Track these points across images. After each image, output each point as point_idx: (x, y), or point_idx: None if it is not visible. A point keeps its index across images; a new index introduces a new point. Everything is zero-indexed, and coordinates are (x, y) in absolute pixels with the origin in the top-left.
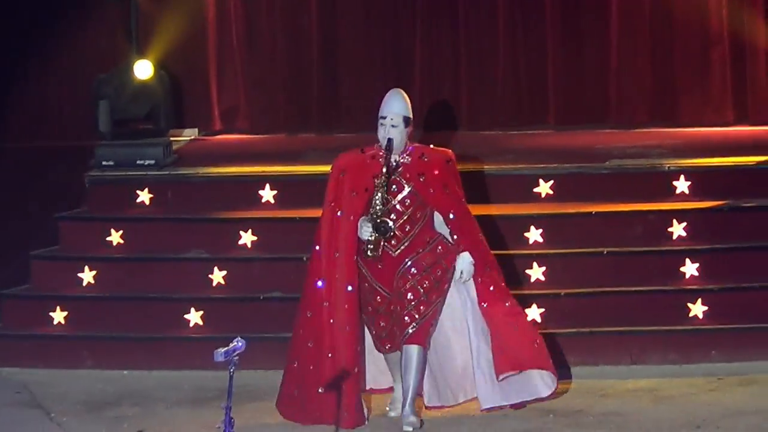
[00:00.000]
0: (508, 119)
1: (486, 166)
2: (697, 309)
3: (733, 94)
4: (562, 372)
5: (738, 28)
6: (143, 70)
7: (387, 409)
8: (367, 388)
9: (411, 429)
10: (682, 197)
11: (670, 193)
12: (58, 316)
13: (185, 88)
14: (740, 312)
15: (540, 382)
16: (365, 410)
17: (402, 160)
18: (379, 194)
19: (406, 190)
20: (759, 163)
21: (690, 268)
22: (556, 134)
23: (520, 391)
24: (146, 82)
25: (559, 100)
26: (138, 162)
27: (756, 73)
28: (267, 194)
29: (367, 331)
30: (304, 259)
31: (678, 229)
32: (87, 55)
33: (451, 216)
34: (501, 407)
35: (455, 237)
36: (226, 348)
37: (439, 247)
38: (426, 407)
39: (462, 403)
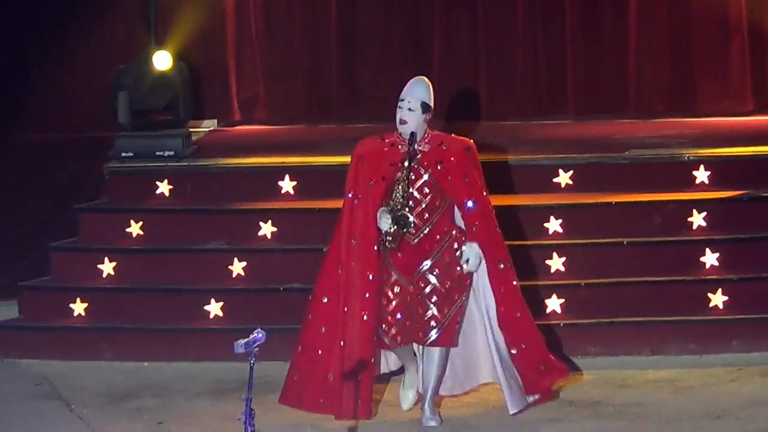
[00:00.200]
0: (528, 110)
1: (505, 157)
2: (717, 299)
3: (753, 83)
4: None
5: (757, 16)
6: (162, 60)
7: (401, 401)
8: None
9: (434, 425)
10: (702, 187)
11: (689, 183)
12: (78, 307)
13: (204, 79)
14: (760, 302)
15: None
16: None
17: (420, 148)
18: (400, 187)
19: (424, 177)
20: None
21: (710, 258)
22: (575, 124)
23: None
24: (165, 73)
25: (579, 90)
26: (157, 153)
27: None
28: (286, 185)
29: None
30: (324, 250)
31: (698, 219)
32: (106, 46)
33: (469, 205)
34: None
35: (468, 227)
36: (246, 339)
37: (456, 244)
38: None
39: (468, 392)
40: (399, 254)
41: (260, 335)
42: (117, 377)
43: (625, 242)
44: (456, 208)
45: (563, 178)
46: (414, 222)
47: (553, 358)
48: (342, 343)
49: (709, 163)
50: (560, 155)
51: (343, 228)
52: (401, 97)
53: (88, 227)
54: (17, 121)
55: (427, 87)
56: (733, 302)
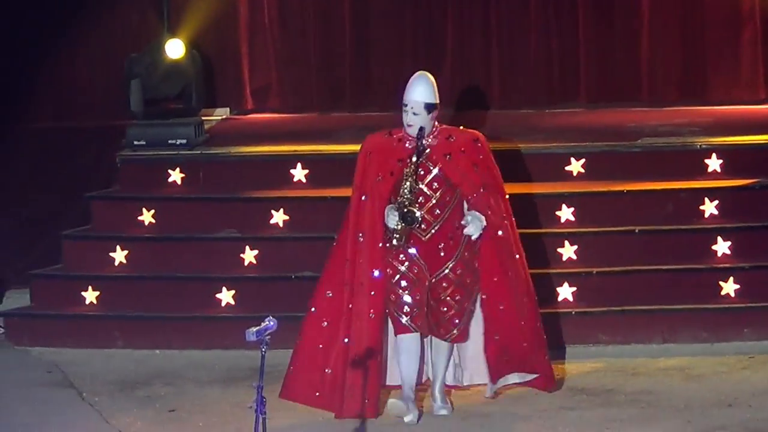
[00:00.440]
0: (540, 98)
1: (518, 145)
2: (729, 287)
3: (765, 72)
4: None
5: None
6: (175, 49)
7: (405, 411)
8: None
9: (446, 413)
10: (714, 175)
11: (701, 172)
12: (90, 295)
13: (217, 67)
14: None
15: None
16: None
17: (429, 143)
18: (408, 183)
19: (433, 172)
20: None
21: (722, 247)
22: (587, 113)
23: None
24: (178, 62)
25: (591, 78)
26: (169, 141)
27: None
28: (299, 173)
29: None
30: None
31: (710, 208)
32: (118, 35)
33: (482, 191)
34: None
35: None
36: (257, 327)
37: (466, 253)
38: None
39: (476, 386)
40: (416, 247)
41: (272, 323)
42: (128, 365)
43: (637, 230)
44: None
45: (575, 166)
46: (423, 218)
47: (541, 363)
48: (346, 340)
49: (721, 151)
50: (572, 143)
51: (350, 224)
52: (404, 101)
53: (100, 215)
54: (30, 109)
55: (427, 85)
56: (745, 290)
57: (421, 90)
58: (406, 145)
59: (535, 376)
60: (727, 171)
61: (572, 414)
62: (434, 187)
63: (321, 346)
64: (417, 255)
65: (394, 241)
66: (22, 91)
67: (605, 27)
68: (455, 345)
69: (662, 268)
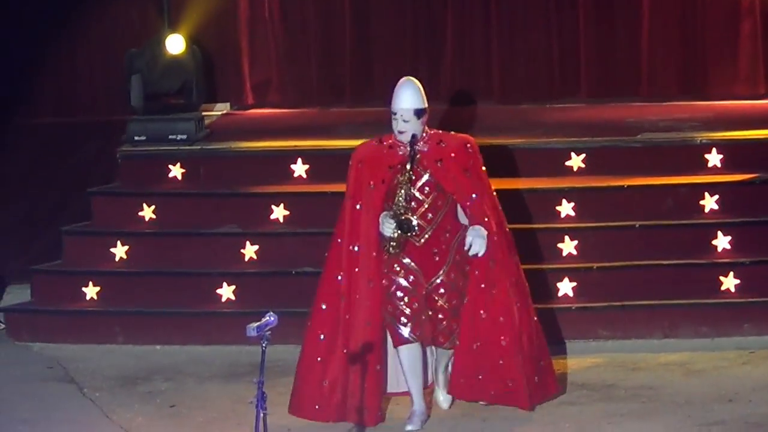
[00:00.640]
0: (540, 93)
1: (518, 140)
2: (729, 282)
3: (765, 67)
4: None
5: None
6: (175, 44)
7: (406, 421)
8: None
9: (447, 407)
10: (714, 170)
11: (701, 166)
12: (91, 291)
13: (217, 63)
14: None
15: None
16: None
17: (419, 148)
18: (402, 191)
19: (425, 177)
20: None
21: (722, 242)
22: (588, 108)
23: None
24: (178, 57)
25: (591, 73)
26: (170, 137)
27: None
28: (299, 169)
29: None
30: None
31: (710, 203)
32: (118, 30)
33: (474, 196)
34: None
35: (474, 221)
36: (258, 323)
37: (457, 257)
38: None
39: None
40: (405, 259)
41: (272, 319)
42: (129, 361)
43: (637, 225)
44: (459, 206)
45: (575, 161)
46: (418, 223)
47: (516, 383)
48: (345, 350)
49: (722, 146)
50: (572, 138)
51: (344, 233)
52: (393, 109)
53: (100, 211)
54: (30, 104)
55: (414, 91)
56: (745, 285)
57: (409, 96)
58: (398, 152)
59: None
60: (727, 166)
61: (572, 409)
62: (426, 191)
63: (319, 359)
64: (412, 263)
65: (391, 250)
66: (23, 87)
67: (605, 22)
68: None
69: (662, 263)
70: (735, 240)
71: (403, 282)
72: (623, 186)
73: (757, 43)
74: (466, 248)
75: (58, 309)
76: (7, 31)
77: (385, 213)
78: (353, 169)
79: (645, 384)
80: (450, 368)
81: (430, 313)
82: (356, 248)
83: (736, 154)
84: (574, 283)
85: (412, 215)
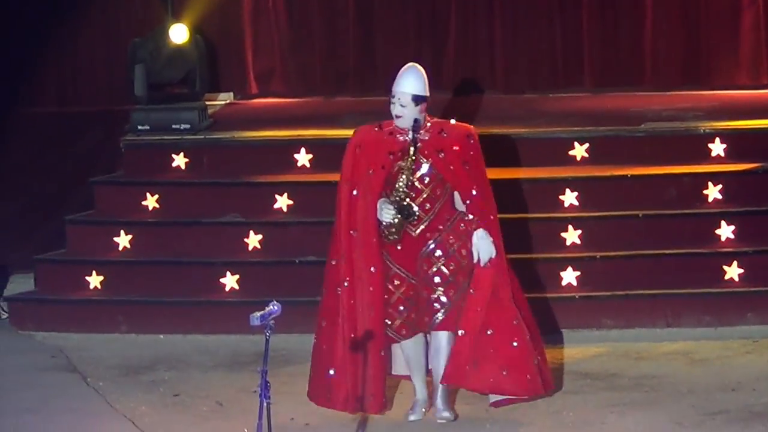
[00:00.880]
0: (544, 82)
1: (521, 129)
2: (733, 271)
3: None
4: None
5: None
6: (179, 33)
7: (408, 411)
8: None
9: (448, 416)
10: (718, 160)
11: (705, 156)
12: (94, 280)
13: (220, 52)
14: None
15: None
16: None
17: (420, 137)
18: (404, 176)
19: (425, 167)
20: None
21: (725, 231)
22: (591, 97)
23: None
24: (182, 46)
25: (595, 62)
26: (173, 126)
27: None
28: (302, 158)
29: None
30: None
31: (713, 192)
32: (122, 20)
33: (474, 192)
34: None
35: (472, 217)
36: (261, 312)
37: (462, 225)
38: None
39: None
40: (398, 247)
41: (276, 308)
42: (132, 350)
43: (640, 215)
44: (456, 195)
45: (579, 150)
46: (417, 212)
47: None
48: (352, 335)
49: (725, 135)
50: (576, 128)
51: (341, 219)
52: (392, 92)
53: (104, 200)
54: (34, 94)
55: (416, 77)
56: (749, 275)
57: (410, 81)
58: (399, 138)
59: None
60: (730, 155)
61: (576, 398)
62: (425, 181)
63: (325, 347)
64: (399, 266)
65: (389, 236)
66: (26, 77)
67: (609, 11)
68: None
69: (666, 253)
70: (738, 229)
71: (388, 286)
72: (627, 175)
73: (760, 33)
74: (475, 261)
75: (62, 298)
76: (11, 21)
77: (383, 199)
78: (350, 153)
79: (648, 373)
80: (445, 386)
81: (425, 291)
82: (354, 234)
83: (739, 144)
84: (578, 273)
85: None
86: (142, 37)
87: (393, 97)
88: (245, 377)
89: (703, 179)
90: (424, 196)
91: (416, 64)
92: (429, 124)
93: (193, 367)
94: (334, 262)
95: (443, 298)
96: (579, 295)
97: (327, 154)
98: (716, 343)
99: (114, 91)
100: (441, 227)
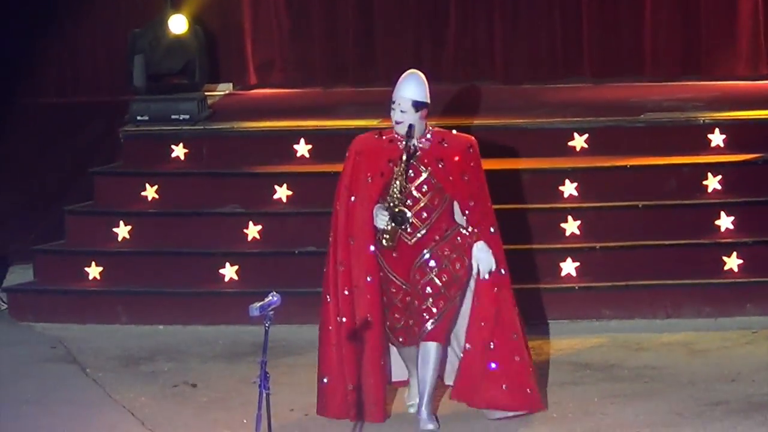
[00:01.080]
0: (543, 73)
1: (521, 120)
2: (732, 262)
3: (767, 47)
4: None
5: None
6: (178, 24)
7: (407, 404)
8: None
9: (432, 428)
10: (717, 150)
11: (704, 146)
12: (93, 271)
13: (220, 43)
14: None
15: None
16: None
17: (420, 145)
18: (398, 182)
19: (424, 175)
20: None
21: (725, 222)
22: (590, 88)
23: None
24: (181, 37)
25: (594, 53)
26: (173, 117)
27: None
28: (302, 149)
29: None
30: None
31: (713, 183)
32: (121, 10)
33: (471, 204)
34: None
35: (471, 229)
36: (261, 303)
37: (458, 238)
38: (444, 384)
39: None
40: (394, 254)
41: (275, 299)
42: (132, 341)
43: (640, 205)
44: (456, 206)
45: (578, 141)
46: (412, 221)
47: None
48: (351, 344)
49: (725, 126)
50: (575, 118)
51: (340, 226)
52: (393, 98)
53: (103, 191)
54: (33, 85)
55: (417, 83)
56: (748, 265)
57: (411, 87)
58: (399, 146)
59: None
60: (730, 146)
61: (576, 389)
62: (423, 190)
63: (319, 354)
64: (395, 274)
65: (384, 242)
66: (25, 67)
67: (608, 2)
68: (457, 341)
69: (665, 243)
70: (738, 220)
71: (384, 294)
72: (626, 166)
73: (758, 23)
74: (474, 273)
75: (61, 289)
76: (10, 11)
77: (379, 205)
78: (350, 161)
79: (648, 364)
80: (431, 395)
81: (416, 301)
82: (352, 241)
83: (739, 134)
84: (577, 263)
85: (407, 210)
86: (142, 28)
87: (393, 102)
88: (244, 368)
89: (703, 170)
90: (422, 204)
91: (417, 71)
92: (430, 134)
93: (192, 358)
94: (341, 268)
95: (433, 309)
96: (578, 286)
97: (326, 144)
98: (716, 333)
99: (113, 81)
100: (437, 237)
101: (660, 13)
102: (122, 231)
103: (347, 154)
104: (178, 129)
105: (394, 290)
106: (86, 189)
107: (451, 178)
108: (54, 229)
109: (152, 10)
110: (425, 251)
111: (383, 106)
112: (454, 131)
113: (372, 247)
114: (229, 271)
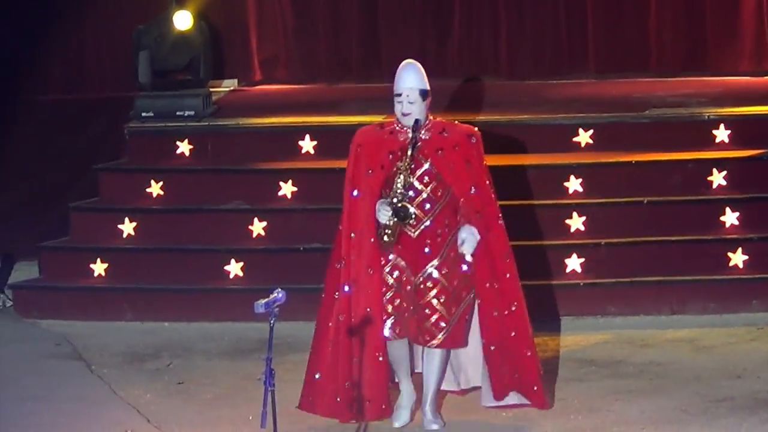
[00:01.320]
0: (548, 68)
1: (525, 116)
2: (737, 258)
3: None
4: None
5: None
6: (183, 20)
7: (391, 419)
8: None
9: (437, 428)
10: (722, 146)
11: (709, 142)
12: (99, 268)
13: (225, 39)
14: None
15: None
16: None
17: (421, 136)
18: (402, 177)
19: (425, 166)
20: None
21: (730, 218)
22: (595, 83)
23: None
24: (186, 33)
25: (599, 48)
26: (177, 113)
27: None
28: (307, 145)
29: None
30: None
31: (718, 178)
32: (126, 6)
33: (472, 191)
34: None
35: (470, 215)
36: (266, 299)
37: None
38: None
39: (472, 389)
40: (399, 246)
41: (280, 295)
42: (137, 337)
43: (645, 201)
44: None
45: (583, 137)
46: (414, 213)
47: (531, 376)
48: (349, 339)
49: (729, 122)
50: (580, 114)
51: (344, 222)
52: (397, 90)
53: (108, 187)
54: (38, 81)
55: (418, 72)
56: (754, 261)
57: (414, 77)
58: (399, 138)
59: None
60: (735, 142)
61: (581, 385)
62: (425, 181)
63: (313, 350)
64: (399, 258)
65: (385, 237)
66: (31, 64)
67: None
68: (451, 352)
69: (670, 239)
70: (743, 216)
71: (387, 278)
72: (631, 162)
73: (762, 19)
74: (459, 244)
75: (66, 286)
76: (15, 8)
77: (381, 200)
78: (352, 154)
79: (653, 360)
80: (435, 395)
81: (416, 308)
82: (354, 235)
83: (744, 130)
84: (582, 260)
85: (410, 204)
86: (147, 24)
87: (399, 95)
88: (250, 365)
89: (708, 165)
90: (424, 196)
91: (413, 60)
92: (430, 125)
93: (197, 355)
94: (338, 266)
95: (446, 316)
96: (583, 282)
97: (331, 140)
98: (721, 330)
99: (118, 78)
100: (440, 231)
101: (664, 8)
102: (127, 227)
103: (350, 148)
104: (183, 125)
105: (397, 275)
106: (91, 185)
107: (451, 166)
108: (59, 226)
109: (157, 7)
110: (433, 261)
111: (388, 102)
112: (456, 122)
113: (372, 240)
114: (234, 268)
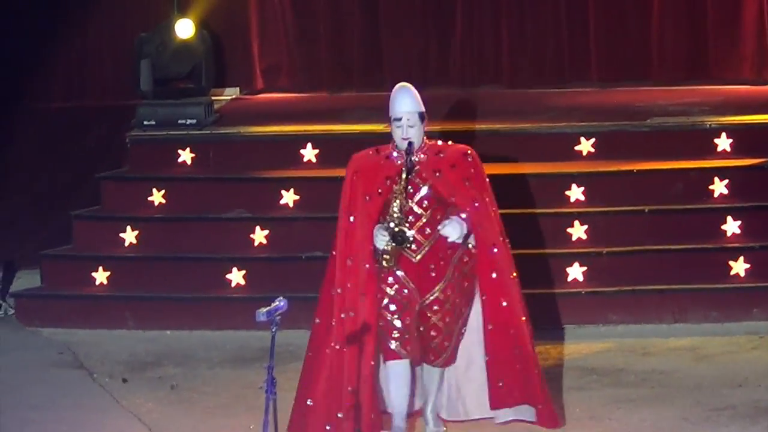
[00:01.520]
0: (550, 77)
1: (527, 124)
2: (739, 267)
3: None
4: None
5: None
6: (185, 28)
7: None
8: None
9: None
10: (724, 155)
11: (711, 151)
12: (101, 276)
13: (227, 47)
14: None
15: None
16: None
17: (417, 159)
18: (398, 201)
19: (423, 190)
20: None
21: (731, 226)
22: (597, 92)
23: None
24: (188, 41)
25: (601, 57)
26: (179, 121)
27: None
28: (309, 153)
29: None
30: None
31: (719, 187)
32: (128, 15)
33: (476, 204)
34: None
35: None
36: (268, 308)
37: (465, 257)
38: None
39: (477, 420)
40: (405, 269)
41: (282, 303)
42: (139, 346)
43: (646, 210)
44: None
45: (585, 145)
46: (414, 238)
47: (536, 395)
48: (342, 369)
49: (731, 130)
50: (582, 123)
51: (338, 248)
52: (396, 115)
53: (110, 196)
54: (40, 89)
55: (414, 95)
56: (755, 270)
57: (412, 100)
58: (396, 162)
59: (532, 419)
60: (736, 150)
61: (582, 394)
62: (424, 205)
63: (305, 376)
64: (406, 277)
65: (384, 263)
66: (32, 72)
67: (615, 5)
68: (455, 377)
69: (672, 248)
70: (745, 225)
71: (395, 295)
72: (633, 170)
73: (763, 28)
74: (439, 227)
75: (68, 294)
76: (17, 16)
77: (379, 225)
78: (348, 181)
79: (655, 369)
80: (435, 402)
81: (421, 329)
82: (350, 262)
83: (745, 139)
84: (584, 268)
85: (409, 230)
86: (149, 32)
87: (399, 120)
88: (252, 373)
89: (710, 174)
90: (424, 220)
91: (407, 84)
92: (426, 146)
93: (199, 363)
94: (333, 293)
95: (451, 335)
96: (585, 291)
97: (333, 149)
98: (722, 338)
99: (120, 86)
100: (442, 254)
101: (666, 17)
102: (129, 236)
103: (346, 175)
104: (185, 134)
105: (406, 292)
106: (93, 194)
107: (450, 185)
108: (61, 234)
109: (159, 15)
110: (439, 284)
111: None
112: (450, 142)
113: (368, 265)
114: (236, 276)
